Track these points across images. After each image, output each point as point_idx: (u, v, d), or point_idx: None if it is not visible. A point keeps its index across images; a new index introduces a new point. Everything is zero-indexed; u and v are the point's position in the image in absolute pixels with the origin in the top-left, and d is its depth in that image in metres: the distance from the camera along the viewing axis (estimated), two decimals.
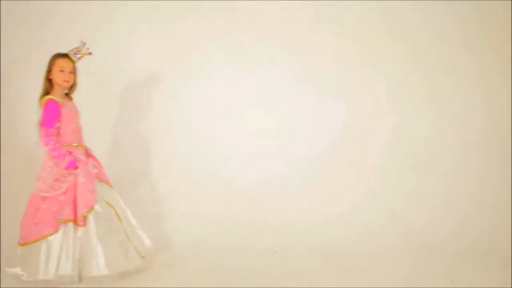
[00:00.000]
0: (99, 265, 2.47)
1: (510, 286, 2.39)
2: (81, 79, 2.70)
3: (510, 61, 3.49)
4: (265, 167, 3.45)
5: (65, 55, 2.61)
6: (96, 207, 2.53)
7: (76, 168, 2.55)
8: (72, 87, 2.67)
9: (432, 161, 3.48)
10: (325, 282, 2.42)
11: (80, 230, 2.49)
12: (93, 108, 3.30)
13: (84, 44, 2.63)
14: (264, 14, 3.50)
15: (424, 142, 3.50)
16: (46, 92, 2.60)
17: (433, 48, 3.53)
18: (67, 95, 2.69)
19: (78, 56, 2.62)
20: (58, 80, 2.58)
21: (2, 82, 3.35)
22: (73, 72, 2.62)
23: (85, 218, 2.49)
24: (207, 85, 3.52)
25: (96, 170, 2.66)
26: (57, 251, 2.45)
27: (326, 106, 3.55)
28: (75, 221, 2.49)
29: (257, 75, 3.52)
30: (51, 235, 2.46)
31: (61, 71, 2.57)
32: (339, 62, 3.53)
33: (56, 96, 2.58)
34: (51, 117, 2.54)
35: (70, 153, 2.57)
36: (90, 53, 2.65)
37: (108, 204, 2.61)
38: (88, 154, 2.70)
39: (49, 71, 2.59)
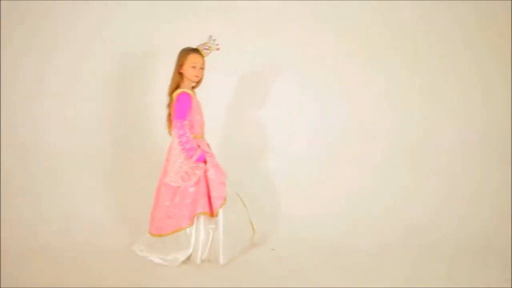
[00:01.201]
0: (225, 254, 2.58)
1: (510, 286, 2.39)
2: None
3: (510, 61, 3.50)
4: (265, 166, 3.45)
5: (196, 50, 2.64)
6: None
7: (205, 162, 2.61)
8: (198, 81, 2.72)
9: (432, 160, 3.48)
10: (324, 281, 2.42)
11: (212, 221, 2.59)
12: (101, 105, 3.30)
13: (214, 39, 2.66)
14: (264, 14, 3.50)
15: (424, 142, 3.50)
16: (177, 85, 2.66)
17: (433, 48, 3.53)
18: (193, 88, 2.74)
19: (207, 52, 2.66)
20: (189, 75, 2.64)
21: (2, 83, 3.35)
22: (203, 67, 2.67)
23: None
24: (207, 84, 3.52)
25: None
26: (192, 242, 2.55)
27: (326, 106, 3.56)
28: (211, 214, 2.58)
29: (257, 75, 3.52)
30: (187, 228, 2.55)
31: (193, 67, 2.63)
32: (339, 62, 3.54)
33: (186, 89, 2.63)
34: (184, 110, 2.59)
35: (198, 146, 2.62)
36: (218, 49, 2.68)
37: (235, 194, 2.71)
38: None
39: (180, 65, 2.63)
